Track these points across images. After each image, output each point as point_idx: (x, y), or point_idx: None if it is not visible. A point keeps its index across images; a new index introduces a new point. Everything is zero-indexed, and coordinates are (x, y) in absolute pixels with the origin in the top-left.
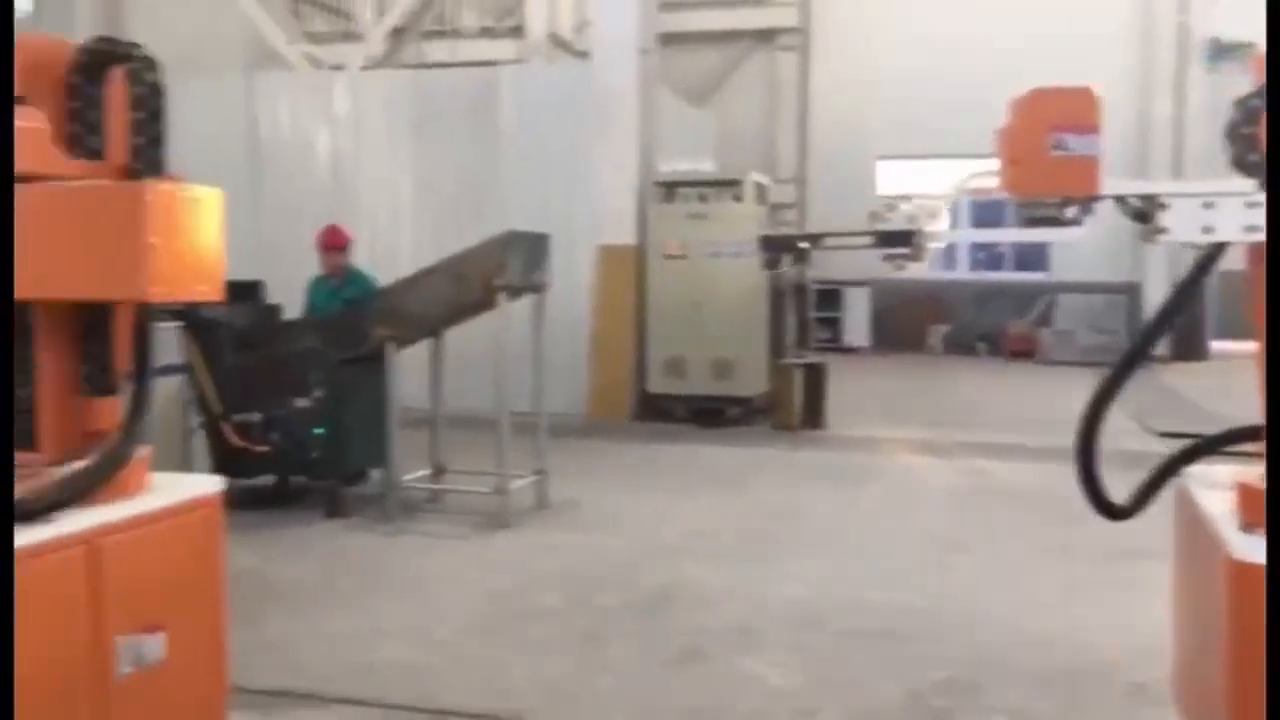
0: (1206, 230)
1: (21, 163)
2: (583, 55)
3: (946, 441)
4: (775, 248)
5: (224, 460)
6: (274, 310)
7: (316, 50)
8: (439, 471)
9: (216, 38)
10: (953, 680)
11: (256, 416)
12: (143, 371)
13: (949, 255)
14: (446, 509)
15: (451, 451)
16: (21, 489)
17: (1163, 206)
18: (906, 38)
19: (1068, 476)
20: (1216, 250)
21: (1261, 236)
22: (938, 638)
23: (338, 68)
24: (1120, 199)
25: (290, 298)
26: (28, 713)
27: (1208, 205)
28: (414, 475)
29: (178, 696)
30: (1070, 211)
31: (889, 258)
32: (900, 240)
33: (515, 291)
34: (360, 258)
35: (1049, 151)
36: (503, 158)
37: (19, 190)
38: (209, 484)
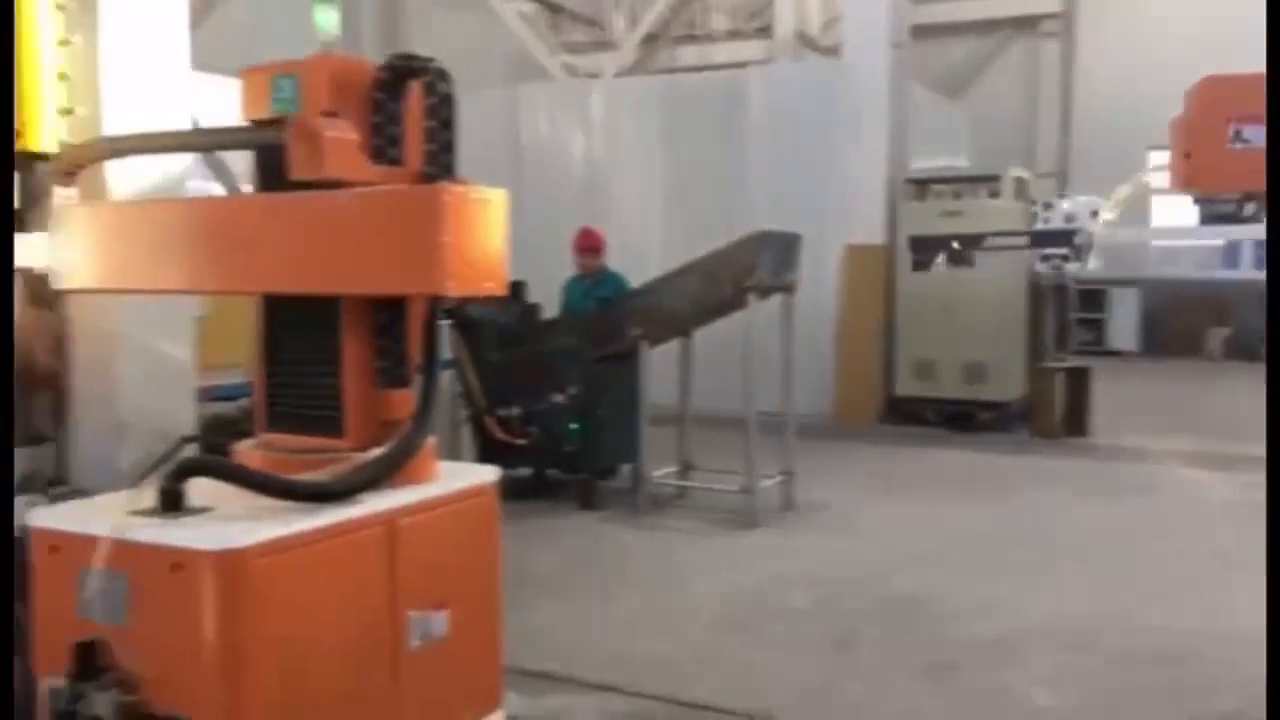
0: None
1: (332, 169)
2: (831, 53)
3: (1225, 454)
4: (925, 248)
5: (487, 451)
6: (534, 309)
7: (574, 60)
8: (687, 469)
9: (485, 53)
10: (1240, 713)
11: (516, 411)
12: (432, 365)
13: (1231, 253)
14: (694, 506)
15: (699, 450)
16: (328, 472)
17: None
18: (1180, 19)
19: None
20: None
21: None
22: (1220, 663)
23: (593, 76)
24: None
25: (549, 297)
26: (333, 675)
27: None
28: (663, 472)
29: (458, 672)
30: (1249, 208)
31: (1046, 259)
32: (1058, 240)
33: (765, 291)
34: (612, 259)
35: (1226, 144)
36: (750, 158)
37: (332, 195)
38: (486, 473)
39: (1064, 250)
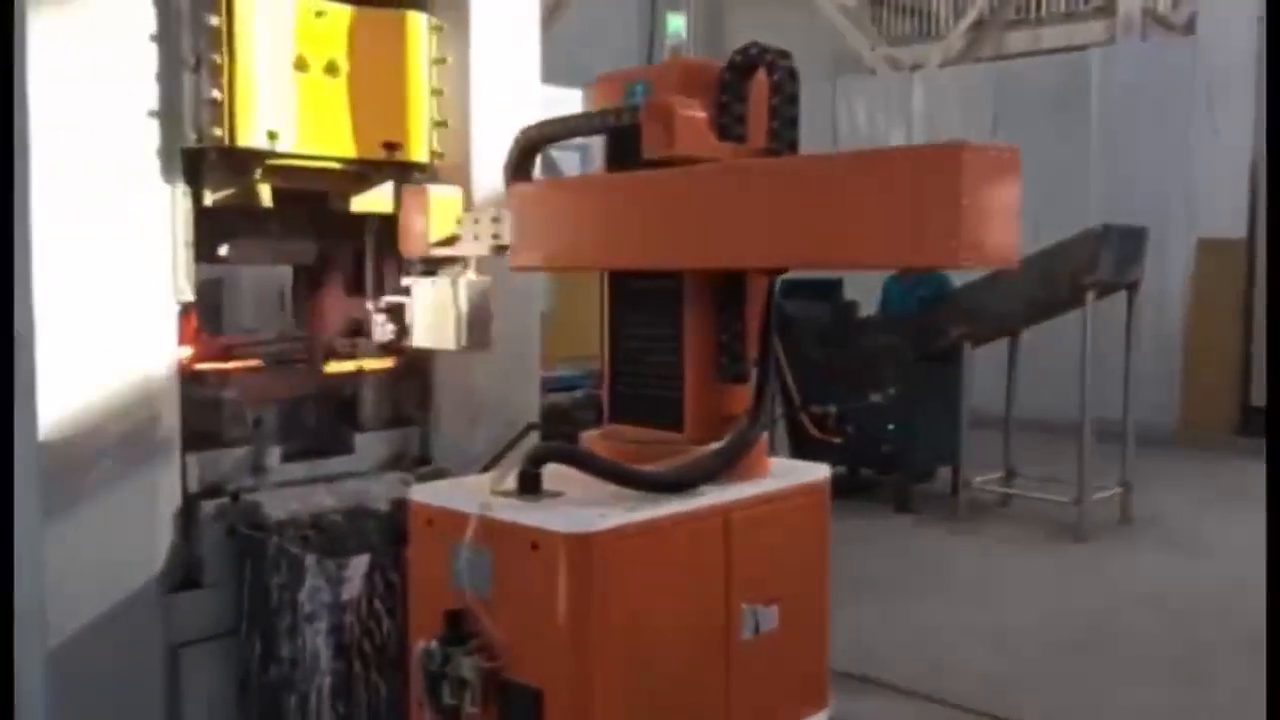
0: None
1: (683, 146)
2: (1182, 30)
3: None
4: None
5: (801, 449)
6: (851, 307)
7: (896, 52)
8: (1010, 475)
9: (807, 50)
10: None
11: (832, 409)
12: (766, 360)
13: None
14: (1016, 514)
15: (1023, 456)
16: (670, 464)
17: None
18: None
19: None
20: None
21: None
22: None
23: (916, 68)
24: None
25: (867, 295)
26: (671, 659)
27: None
28: (984, 477)
29: (787, 667)
30: None
31: None
32: None
33: (1105, 289)
34: None
35: None
36: (1091, 146)
37: (824, 158)
38: (819, 471)
39: None
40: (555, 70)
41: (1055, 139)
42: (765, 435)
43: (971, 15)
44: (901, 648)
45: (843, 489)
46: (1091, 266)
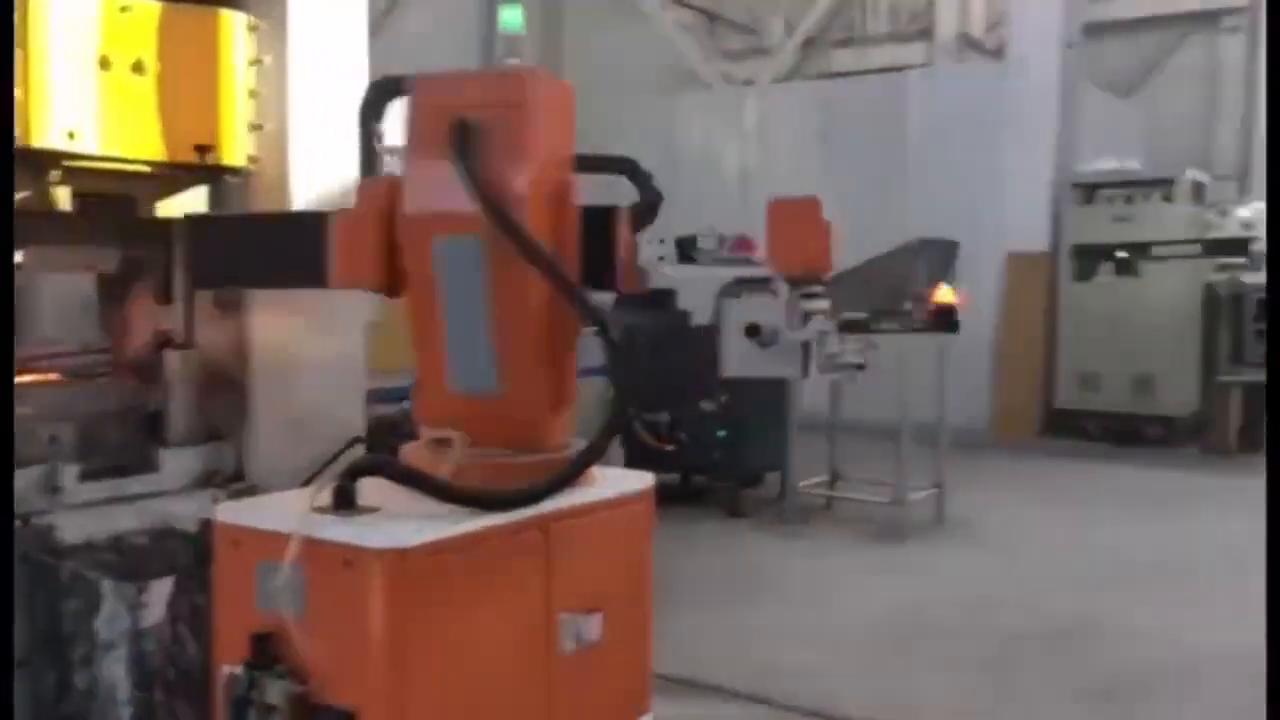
0: None
1: None
2: (995, 55)
3: None
4: (1090, 257)
5: (635, 457)
6: (684, 316)
7: (731, 68)
8: (835, 478)
9: (643, 62)
10: None
11: (665, 417)
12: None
13: None
14: (842, 517)
15: (849, 459)
16: (505, 478)
17: None
18: None
19: None
20: None
21: None
22: None
23: (749, 83)
24: None
25: (702, 306)
26: (491, 675)
27: None
28: (811, 481)
29: (611, 676)
30: None
31: (1222, 268)
32: (1234, 249)
33: (921, 299)
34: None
35: None
36: (910, 163)
37: None
38: (642, 479)
39: (1241, 259)
40: (392, 70)
41: (878, 155)
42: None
43: (802, 33)
44: (728, 651)
45: (675, 496)
46: (909, 278)
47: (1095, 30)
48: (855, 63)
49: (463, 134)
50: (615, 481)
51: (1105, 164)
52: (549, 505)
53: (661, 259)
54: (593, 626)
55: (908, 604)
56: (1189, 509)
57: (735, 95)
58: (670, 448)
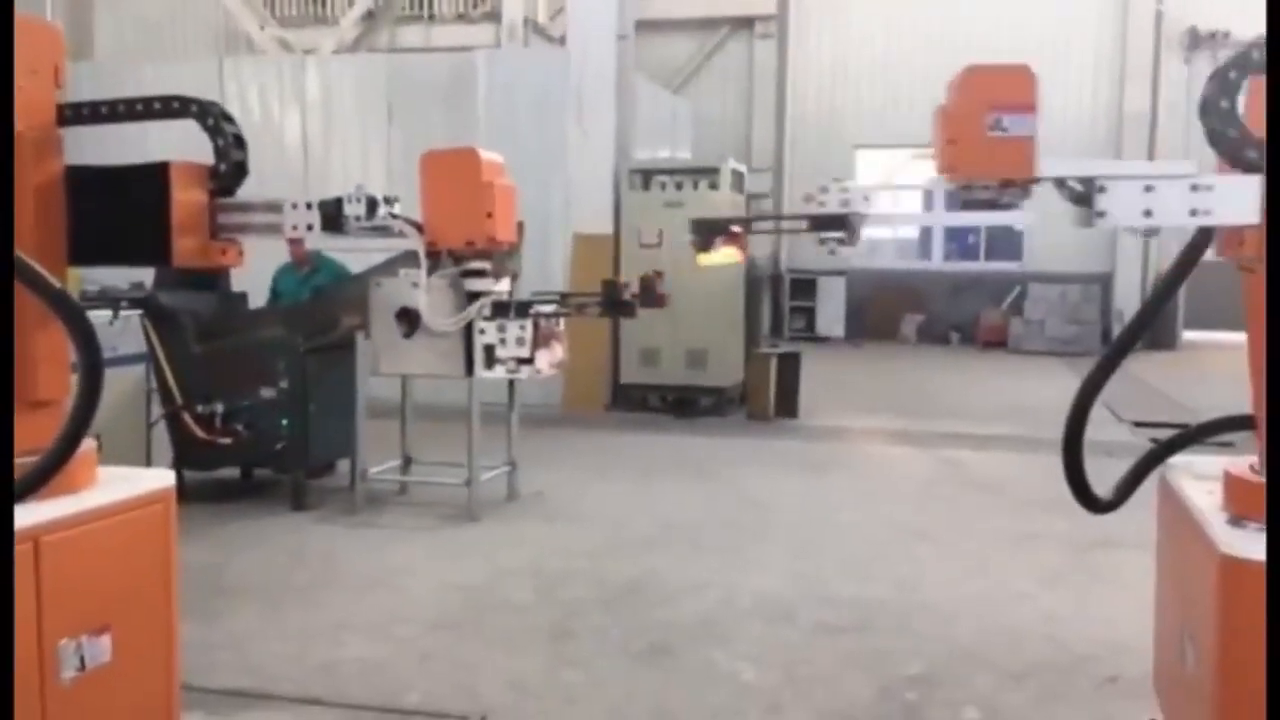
0: (1147, 214)
1: None
2: (559, 41)
3: (919, 431)
4: (707, 231)
5: (186, 453)
6: (239, 299)
7: (288, 35)
8: (408, 463)
9: (187, 23)
10: (924, 674)
11: (220, 407)
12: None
13: (924, 245)
14: (415, 501)
15: (421, 443)
16: None
17: (1101, 190)
18: (884, 25)
19: (1040, 466)
20: (1203, 239)
21: (1207, 221)
22: (910, 631)
23: (309, 52)
24: (1060, 182)
25: (257, 286)
26: None
27: (1149, 189)
28: (382, 467)
29: (125, 699)
30: (1009, 194)
31: (823, 241)
32: (834, 225)
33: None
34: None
35: (986, 132)
36: (479, 143)
37: None
38: (160, 478)
39: (840, 234)
40: None
41: (447, 134)
42: (93, 443)
43: (363, 5)
44: (286, 653)
45: (235, 491)
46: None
47: (646, 26)
48: (422, 40)
49: None
50: (124, 483)
51: (660, 153)
52: (38, 515)
53: (310, 228)
54: (101, 648)
55: (479, 584)
56: (732, 470)
57: (295, 64)
58: (227, 440)
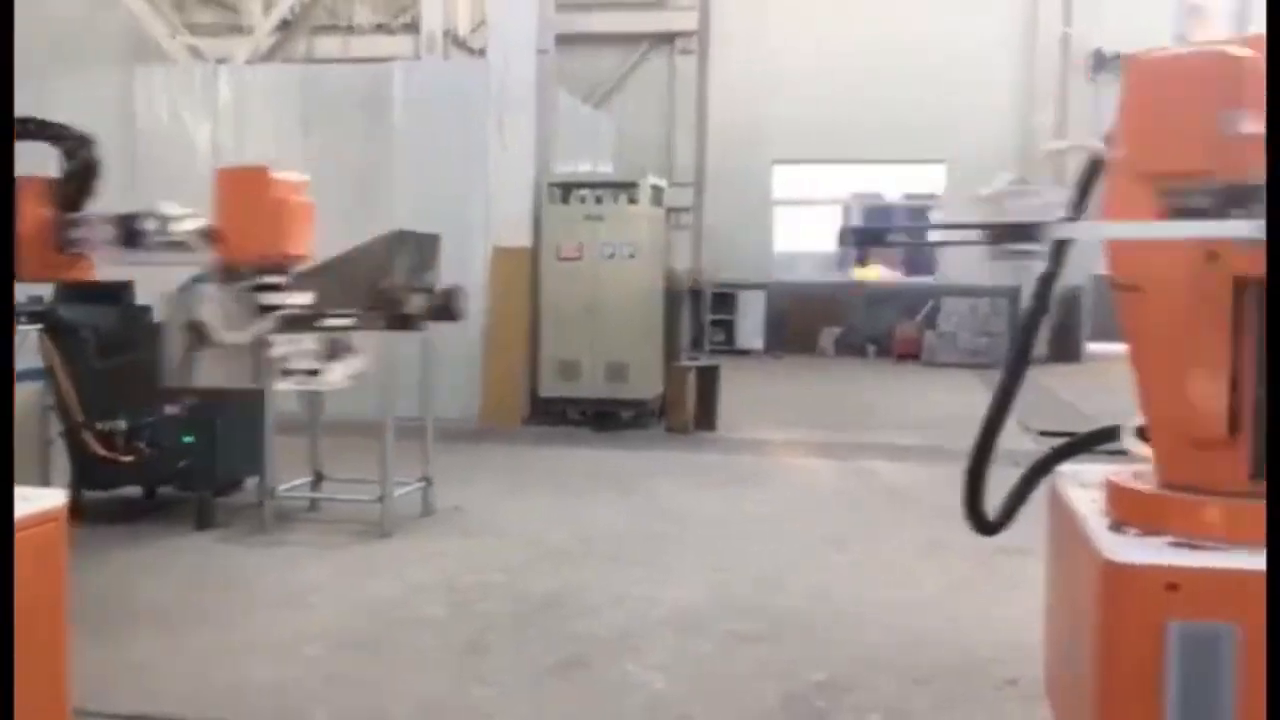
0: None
1: None
2: (479, 54)
3: (836, 443)
4: (863, 240)
5: (86, 471)
6: (143, 312)
7: (200, 43)
8: (318, 479)
9: (95, 29)
10: (831, 681)
11: (122, 424)
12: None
13: (843, 259)
14: (326, 519)
15: (333, 459)
16: None
17: None
18: (801, 43)
19: (950, 475)
20: (1058, 257)
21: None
22: (819, 639)
23: (222, 61)
24: None
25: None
26: None
27: None
28: (291, 484)
29: None
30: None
31: (1011, 255)
32: (1024, 235)
33: (409, 293)
34: None
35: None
36: (396, 156)
37: None
38: (51, 497)
39: (1032, 245)
40: None
41: (363, 145)
42: None
43: (278, 14)
44: (190, 676)
45: (139, 511)
46: (387, 271)
47: (567, 41)
48: (340, 51)
49: None
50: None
51: (581, 167)
52: None
53: (109, 242)
54: None
55: (390, 601)
56: (651, 483)
57: (207, 73)
58: (129, 458)
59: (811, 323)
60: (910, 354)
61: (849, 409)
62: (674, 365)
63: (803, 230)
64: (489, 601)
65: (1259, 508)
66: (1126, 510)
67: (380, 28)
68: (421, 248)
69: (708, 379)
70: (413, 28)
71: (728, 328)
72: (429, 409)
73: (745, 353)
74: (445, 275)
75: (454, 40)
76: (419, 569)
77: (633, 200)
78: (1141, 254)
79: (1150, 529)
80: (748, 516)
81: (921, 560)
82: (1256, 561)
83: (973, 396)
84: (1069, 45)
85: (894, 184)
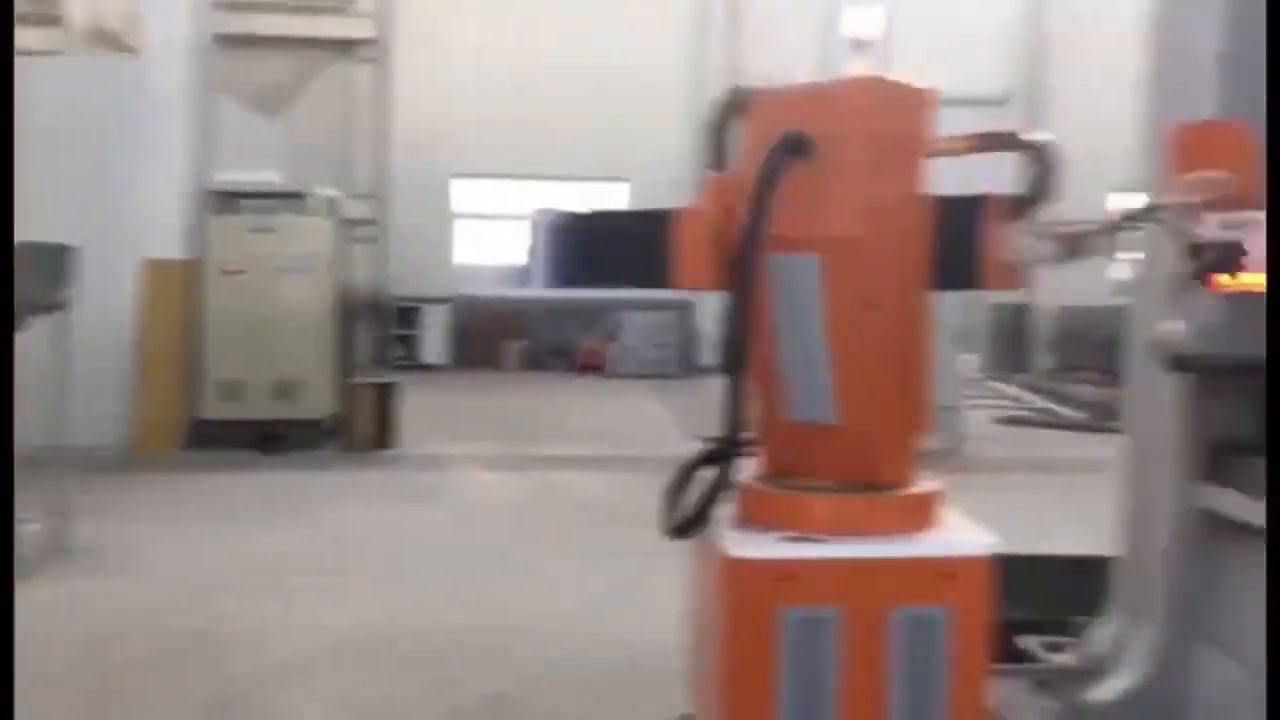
0: None
1: None
2: (133, 51)
3: (518, 456)
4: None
5: None
6: None
7: None
8: None
9: None
10: (499, 694)
11: None
12: None
13: (525, 274)
14: None
15: None
16: None
17: None
18: (485, 58)
19: (626, 483)
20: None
21: None
22: (490, 654)
23: None
24: None
25: None
26: None
27: None
28: None
29: None
30: None
31: (1194, 279)
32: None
33: (31, 310)
34: None
35: None
36: (32, 161)
37: None
38: None
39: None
40: None
41: None
42: None
43: None
44: None
45: None
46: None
47: (234, 43)
48: None
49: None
50: None
51: (247, 176)
52: None
53: None
54: None
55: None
56: (321, 506)
57: None
58: None
59: (496, 336)
60: (593, 366)
61: (532, 422)
62: (350, 383)
63: (492, 244)
64: (126, 646)
65: (857, 500)
66: (750, 509)
67: (19, 18)
68: (51, 261)
69: (386, 396)
70: (53, 20)
71: (411, 342)
72: (68, 436)
73: (429, 368)
74: (90, 290)
75: (103, 37)
76: (45, 617)
77: (303, 211)
78: None
79: (768, 525)
80: (424, 535)
81: (597, 566)
82: (853, 550)
83: (648, 406)
84: (734, 75)
85: (580, 201)
